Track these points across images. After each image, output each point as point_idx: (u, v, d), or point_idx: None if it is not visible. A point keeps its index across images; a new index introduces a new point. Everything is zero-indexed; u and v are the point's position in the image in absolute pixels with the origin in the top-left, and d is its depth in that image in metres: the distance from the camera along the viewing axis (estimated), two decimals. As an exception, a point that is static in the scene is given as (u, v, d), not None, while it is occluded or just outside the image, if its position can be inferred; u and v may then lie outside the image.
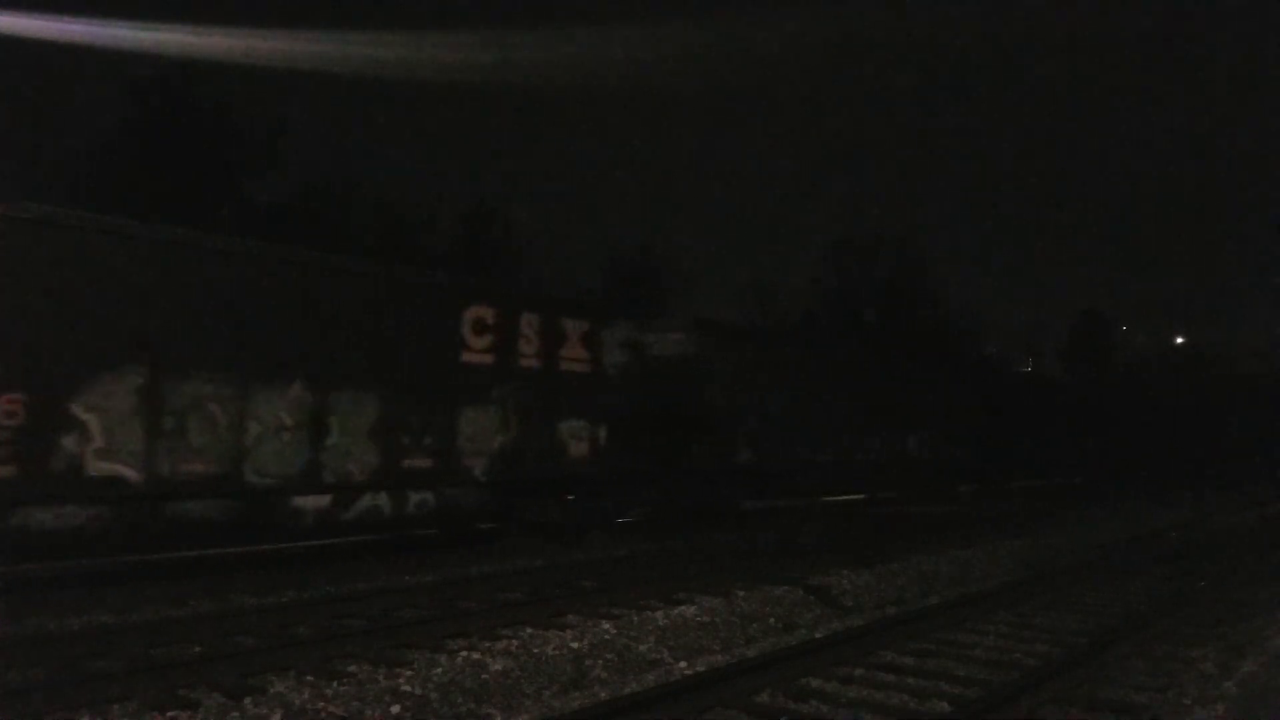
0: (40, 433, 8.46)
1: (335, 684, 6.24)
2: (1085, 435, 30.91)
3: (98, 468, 8.77)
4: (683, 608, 8.75)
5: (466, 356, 12.02)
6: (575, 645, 7.37)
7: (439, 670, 6.57)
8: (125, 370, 8.98)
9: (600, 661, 7.23)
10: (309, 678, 6.45)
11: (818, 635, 8.25)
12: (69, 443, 8.61)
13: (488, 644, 7.32)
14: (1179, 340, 65.09)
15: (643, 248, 42.35)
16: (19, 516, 8.43)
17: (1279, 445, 39.29)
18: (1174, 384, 48.23)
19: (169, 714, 5.66)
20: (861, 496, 21.90)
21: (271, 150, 31.07)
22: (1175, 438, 35.44)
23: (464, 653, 7.01)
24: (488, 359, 12.23)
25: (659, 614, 8.44)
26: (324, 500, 10.61)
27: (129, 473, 8.96)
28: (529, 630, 7.89)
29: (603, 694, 6.46)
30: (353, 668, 6.72)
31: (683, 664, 7.39)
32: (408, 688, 6.25)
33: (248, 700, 5.86)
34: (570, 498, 13.39)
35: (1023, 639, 8.24)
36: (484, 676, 6.60)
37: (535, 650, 7.17)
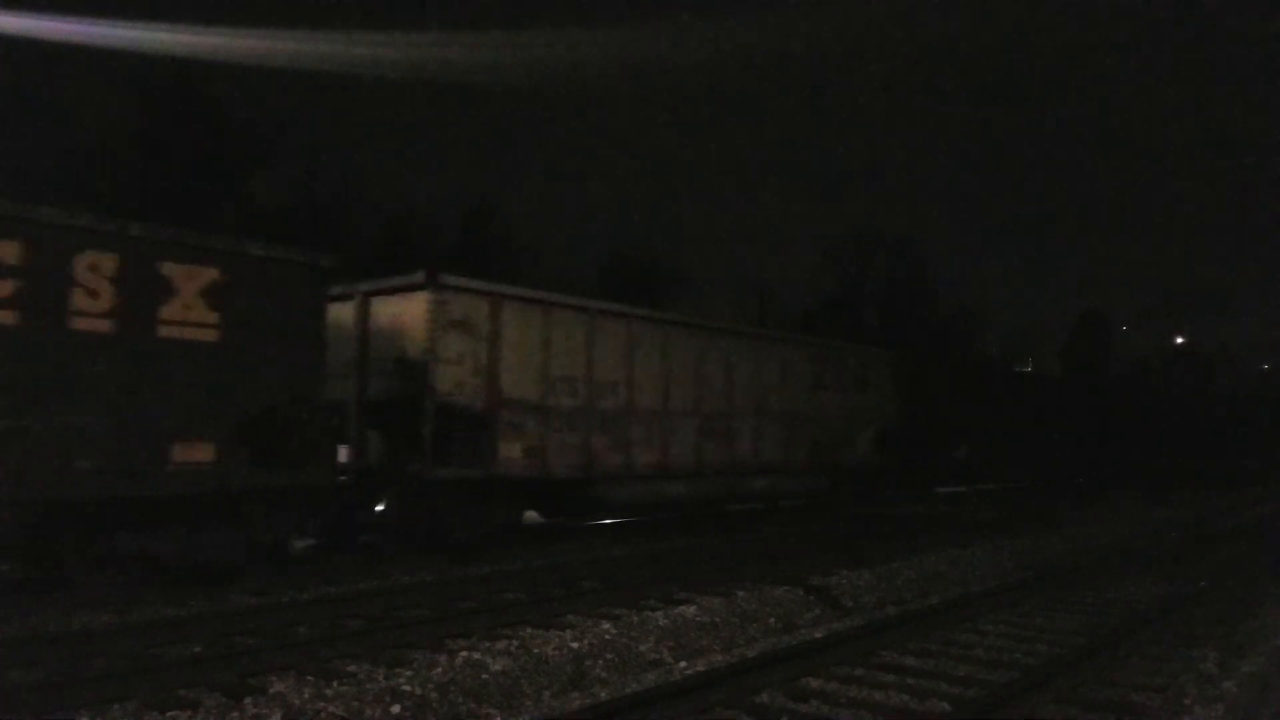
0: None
1: (335, 684, 6.24)
2: (1046, 433, 28.36)
3: None
4: (683, 608, 8.75)
5: None
6: (575, 645, 7.37)
7: (439, 670, 6.57)
8: None
9: (600, 661, 7.23)
10: (309, 678, 6.46)
11: (818, 635, 8.25)
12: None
13: (488, 644, 7.33)
14: (1179, 340, 65.23)
15: (643, 245, 42.49)
16: None
17: (1277, 445, 39.34)
18: (1160, 380, 48.17)
19: (169, 714, 5.67)
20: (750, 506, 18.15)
21: (271, 150, 31.15)
22: (1164, 436, 35.30)
23: (464, 653, 7.01)
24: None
25: (659, 614, 8.44)
26: None
27: None
28: (529, 630, 7.90)
29: (603, 694, 6.46)
30: (353, 668, 6.73)
31: (683, 664, 7.39)
32: (408, 688, 6.24)
33: (248, 700, 5.86)
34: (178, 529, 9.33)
35: (1023, 639, 8.24)
36: (484, 676, 6.60)
37: (535, 650, 7.16)
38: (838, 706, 6.28)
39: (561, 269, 40.92)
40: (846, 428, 19.10)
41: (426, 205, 50.42)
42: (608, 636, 7.69)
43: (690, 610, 8.65)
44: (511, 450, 12.30)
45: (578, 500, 13.66)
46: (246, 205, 30.04)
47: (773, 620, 8.88)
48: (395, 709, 5.96)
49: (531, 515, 13.89)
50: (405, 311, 11.70)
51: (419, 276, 11.63)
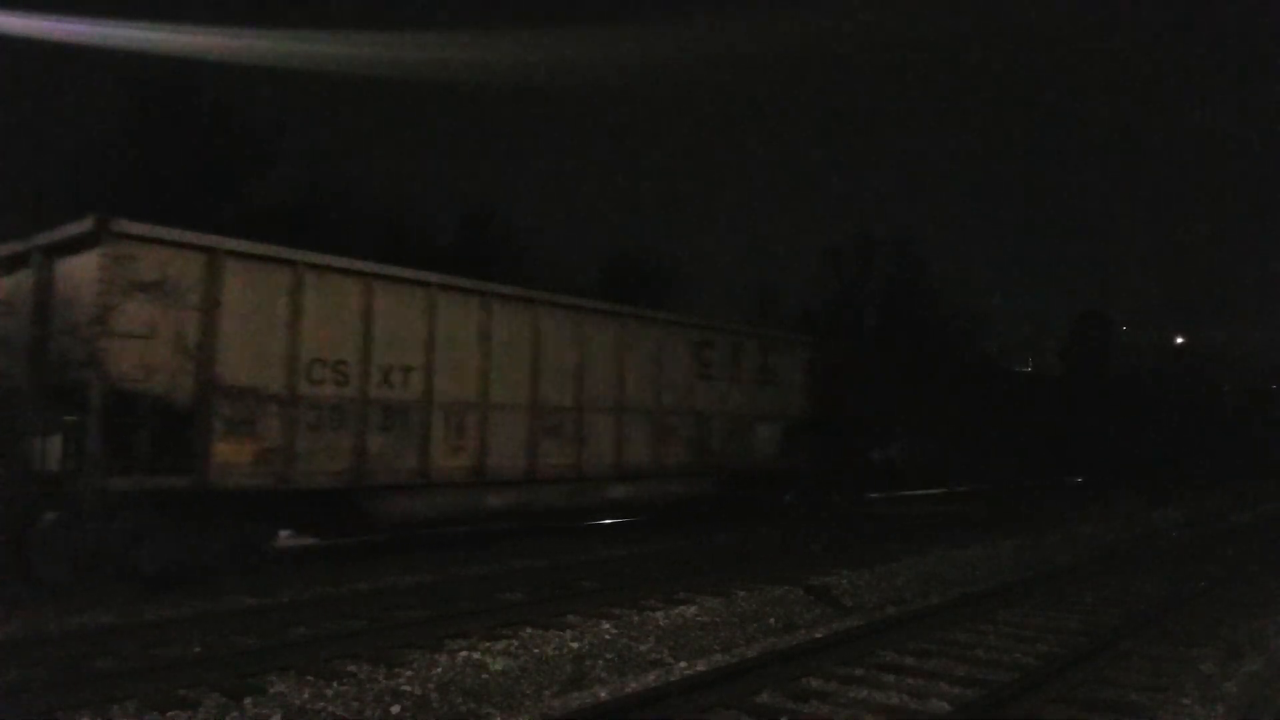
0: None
1: (335, 684, 6.24)
2: (1010, 432, 26.43)
3: None
4: (683, 608, 8.75)
5: None
6: (575, 645, 7.37)
7: (439, 670, 6.57)
8: None
9: (600, 661, 7.23)
10: (309, 678, 6.46)
11: (818, 635, 8.25)
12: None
13: (488, 644, 7.33)
14: (1179, 340, 65.31)
15: (644, 246, 42.33)
16: None
17: (1276, 444, 39.39)
18: (1159, 380, 48.10)
19: (169, 714, 5.67)
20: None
21: (271, 150, 31.14)
22: (1163, 435, 35.20)
23: (464, 653, 7.01)
24: None
25: (659, 614, 8.45)
26: None
27: None
28: (529, 630, 7.90)
29: (603, 694, 6.46)
30: (353, 668, 6.72)
31: (683, 664, 7.39)
32: (408, 688, 6.25)
33: (248, 700, 5.86)
34: None
35: (1023, 639, 8.24)
36: (484, 676, 6.61)
37: (535, 650, 7.17)
38: (838, 706, 6.28)
39: (562, 269, 40.79)
40: (741, 424, 16.56)
41: (426, 205, 50.32)
42: (608, 636, 7.69)
43: (690, 610, 8.66)
44: (234, 454, 9.58)
45: (346, 515, 10.97)
46: (246, 206, 30.02)
47: (773, 620, 8.88)
48: (395, 709, 5.96)
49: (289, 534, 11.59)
50: (80, 272, 9.16)
51: (88, 224, 8.95)
